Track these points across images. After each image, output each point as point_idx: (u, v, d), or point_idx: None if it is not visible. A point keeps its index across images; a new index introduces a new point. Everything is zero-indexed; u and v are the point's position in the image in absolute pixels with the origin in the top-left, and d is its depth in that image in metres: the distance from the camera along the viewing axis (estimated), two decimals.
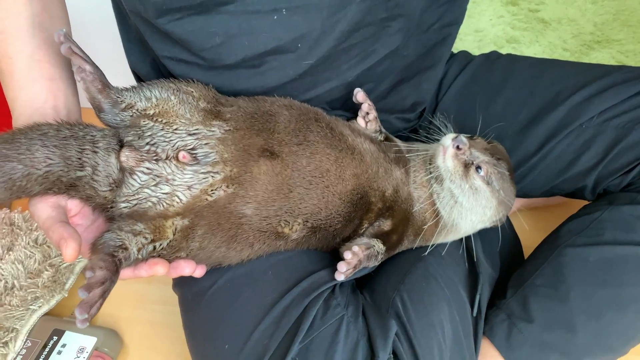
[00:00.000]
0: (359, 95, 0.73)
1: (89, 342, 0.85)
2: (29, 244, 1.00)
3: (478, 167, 0.70)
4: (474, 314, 0.70)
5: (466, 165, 0.70)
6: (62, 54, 0.67)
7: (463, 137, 0.70)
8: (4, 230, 1.04)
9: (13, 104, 0.64)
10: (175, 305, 0.75)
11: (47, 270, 0.97)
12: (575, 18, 1.25)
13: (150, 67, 0.75)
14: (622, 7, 1.18)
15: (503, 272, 0.84)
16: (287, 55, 0.66)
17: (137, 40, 0.74)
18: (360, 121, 0.75)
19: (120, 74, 0.84)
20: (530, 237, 0.88)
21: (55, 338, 0.87)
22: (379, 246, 0.68)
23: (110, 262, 0.53)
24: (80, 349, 0.84)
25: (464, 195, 0.70)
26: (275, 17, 0.61)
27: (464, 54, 0.91)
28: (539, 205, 1.03)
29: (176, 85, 0.65)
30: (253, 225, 0.62)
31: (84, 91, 0.61)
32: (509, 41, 1.29)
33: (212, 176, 0.60)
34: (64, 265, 0.98)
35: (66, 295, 0.96)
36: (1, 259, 0.98)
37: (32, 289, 0.93)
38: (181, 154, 0.60)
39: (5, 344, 0.85)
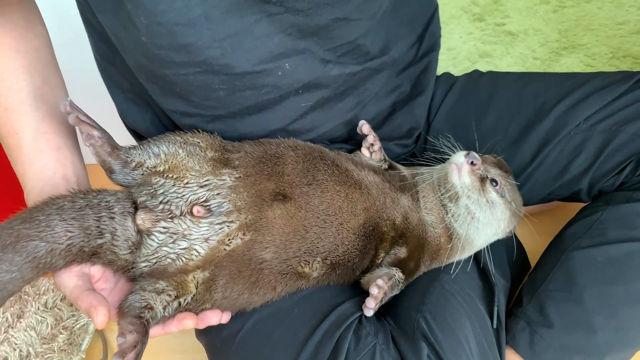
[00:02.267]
0: (364, 127, 0.76)
1: None
2: (39, 309, 0.99)
3: (493, 181, 0.72)
4: (494, 326, 0.72)
5: (482, 180, 0.72)
6: (65, 123, 0.68)
7: (475, 153, 0.73)
8: (12, 298, 1.03)
9: (24, 178, 0.65)
10: (194, 354, 0.75)
11: (61, 334, 0.96)
12: (540, 27, 1.31)
13: (150, 123, 0.77)
14: (581, 12, 1.24)
15: (513, 280, 0.87)
16: (289, 100, 0.68)
17: (134, 98, 0.75)
18: (364, 152, 0.78)
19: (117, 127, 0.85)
20: (531, 242, 0.91)
21: None
22: (399, 275, 0.69)
23: (139, 324, 0.54)
24: None
25: (482, 210, 0.72)
26: (280, 73, 0.63)
27: (447, 75, 0.94)
28: (536, 210, 1.07)
29: (182, 138, 0.66)
30: (274, 269, 0.63)
31: (93, 155, 0.62)
32: (482, 56, 1.33)
33: (228, 226, 0.62)
34: (78, 326, 0.98)
35: (84, 357, 0.95)
36: (12, 328, 0.97)
37: (49, 355, 0.92)
38: (195, 209, 0.61)
39: None
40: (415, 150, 0.90)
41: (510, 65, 1.36)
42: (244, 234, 0.62)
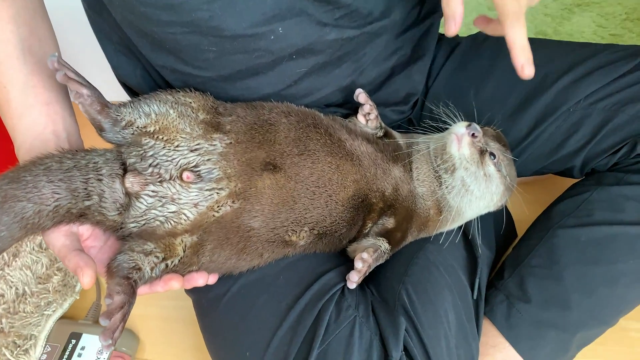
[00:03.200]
0: (361, 96, 0.74)
1: None
2: (34, 249, 1.02)
3: (491, 154, 0.72)
4: (474, 297, 0.75)
5: (481, 153, 0.72)
6: (55, 76, 0.67)
7: (476, 125, 0.72)
8: None
9: (13, 132, 0.64)
10: (184, 300, 0.77)
11: (55, 275, 0.99)
12: None
13: (141, 78, 0.75)
14: None
15: (498, 249, 0.89)
16: (283, 65, 0.66)
17: (125, 51, 0.73)
18: (360, 119, 0.76)
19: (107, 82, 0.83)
20: (521, 211, 0.92)
21: (73, 341, 0.90)
22: (385, 246, 0.70)
23: (126, 285, 0.55)
24: (99, 351, 0.88)
25: (477, 182, 0.72)
26: (272, 37, 0.61)
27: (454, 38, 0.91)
28: (528, 180, 1.07)
29: (174, 97, 0.65)
30: (261, 237, 0.64)
31: (83, 113, 0.61)
32: (491, 8, 1.28)
33: (217, 193, 0.62)
34: None
35: (78, 298, 0.98)
36: (8, 266, 0.99)
37: (44, 294, 0.95)
38: (185, 174, 0.61)
39: (26, 351, 0.88)
40: (412, 116, 0.89)
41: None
42: (232, 202, 0.62)
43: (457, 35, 0.91)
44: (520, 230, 0.89)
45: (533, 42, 0.85)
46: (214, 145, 0.63)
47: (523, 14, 0.56)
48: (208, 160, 0.62)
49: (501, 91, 0.83)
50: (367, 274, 0.69)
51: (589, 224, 0.73)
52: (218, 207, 0.62)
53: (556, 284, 0.72)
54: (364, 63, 0.73)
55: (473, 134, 0.71)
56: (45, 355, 0.89)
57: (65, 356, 0.89)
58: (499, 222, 0.86)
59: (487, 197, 0.74)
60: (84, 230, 0.62)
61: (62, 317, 0.95)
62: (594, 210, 0.73)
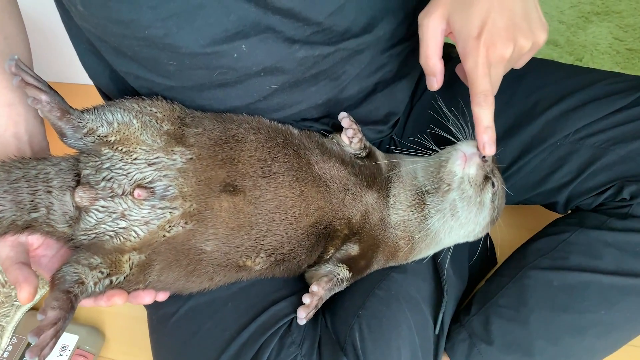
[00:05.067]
0: (344, 121, 0.71)
1: (71, 340, 0.89)
2: None
3: (492, 183, 0.69)
4: (436, 332, 0.72)
5: (485, 178, 0.68)
6: None
7: None
8: None
9: None
10: None
11: None
12: None
13: (109, 79, 0.73)
14: None
15: (475, 275, 0.86)
16: (250, 81, 0.63)
17: (92, 52, 0.70)
18: (344, 138, 0.72)
19: None
20: (506, 234, 0.87)
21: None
22: (344, 273, 0.68)
23: (65, 299, 0.53)
24: (62, 347, 0.88)
25: (468, 208, 0.68)
26: (236, 55, 0.58)
27: (445, 48, 0.86)
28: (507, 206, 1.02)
29: (139, 105, 0.63)
30: (213, 261, 0.62)
31: (44, 118, 0.60)
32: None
33: (170, 212, 0.60)
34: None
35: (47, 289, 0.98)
36: None
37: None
38: (136, 192, 0.59)
39: None
40: (394, 134, 0.84)
41: None
42: (185, 223, 0.60)
43: (451, 48, 0.86)
44: (501, 255, 0.86)
45: (530, 61, 0.81)
46: (174, 159, 0.61)
47: (492, 94, 0.58)
48: (164, 176, 0.60)
49: None
50: (319, 306, 0.66)
51: (563, 267, 0.69)
52: (170, 226, 0.60)
53: (521, 327, 0.69)
54: (344, 80, 0.70)
55: (483, 157, 0.67)
56: (11, 346, 0.90)
57: None
58: (475, 248, 0.83)
59: (471, 226, 0.70)
60: (34, 239, 0.61)
61: (32, 309, 0.96)
62: (571, 254, 0.69)
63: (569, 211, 0.78)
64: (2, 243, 0.58)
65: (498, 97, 0.78)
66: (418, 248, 0.72)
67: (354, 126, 0.71)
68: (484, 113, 0.59)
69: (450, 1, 0.57)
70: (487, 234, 0.85)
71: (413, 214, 0.70)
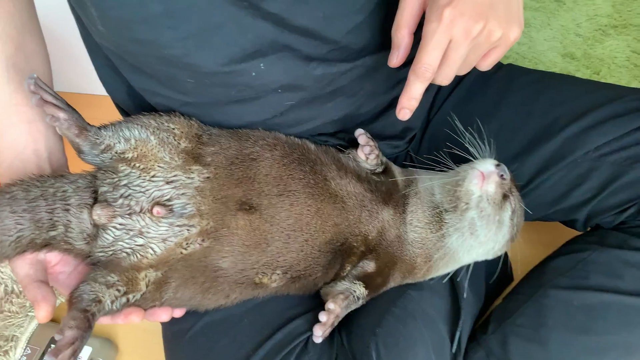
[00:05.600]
0: (361, 138, 0.71)
1: (85, 352, 0.89)
2: None
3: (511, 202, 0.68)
4: (453, 351, 0.71)
5: (503, 197, 0.67)
6: None
7: (505, 167, 0.67)
8: None
9: None
10: None
11: None
12: None
13: (126, 95, 0.73)
14: None
15: (490, 293, 0.85)
16: (268, 97, 0.63)
17: (110, 67, 0.71)
18: (360, 154, 0.72)
19: None
20: (522, 250, 0.86)
21: (53, 345, 0.91)
22: (360, 291, 0.67)
23: (82, 319, 0.53)
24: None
25: (487, 227, 0.67)
26: (254, 74, 0.58)
27: None
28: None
29: (157, 122, 0.63)
30: (229, 278, 0.62)
31: (61, 135, 0.60)
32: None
33: (188, 229, 0.60)
34: None
35: (63, 300, 0.99)
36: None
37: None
38: (155, 210, 0.59)
39: (6, 352, 0.89)
40: (411, 149, 0.84)
41: (547, 39, 1.22)
42: (202, 240, 0.60)
43: None
44: (518, 271, 0.85)
45: (549, 77, 0.80)
46: (191, 178, 0.61)
47: (435, 71, 0.53)
48: (183, 194, 0.60)
49: (506, 130, 0.77)
50: (336, 324, 0.66)
51: (583, 287, 0.68)
52: (187, 244, 0.60)
53: (540, 348, 0.68)
54: (360, 97, 0.69)
55: (502, 176, 0.66)
56: (25, 357, 0.90)
57: None
58: (493, 265, 0.82)
59: (490, 244, 0.70)
60: (53, 256, 0.61)
61: None
62: (591, 274, 0.68)
63: (589, 229, 0.77)
64: (21, 261, 0.58)
65: (514, 114, 0.77)
66: (436, 266, 0.71)
67: (371, 143, 0.71)
68: (417, 85, 0.54)
69: None
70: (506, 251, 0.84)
71: (431, 232, 0.70)
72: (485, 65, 0.56)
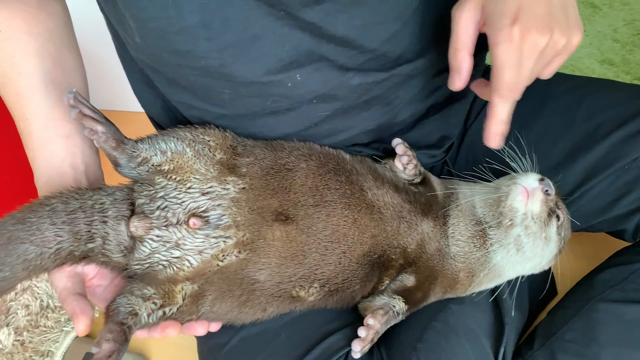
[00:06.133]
0: (399, 148, 0.69)
1: None
2: None
3: (557, 216, 0.65)
4: None
5: (549, 213, 0.65)
6: None
7: (550, 181, 0.65)
8: None
9: (33, 164, 0.65)
10: None
11: None
12: (630, 1, 1.13)
13: (161, 109, 0.73)
14: None
15: (534, 307, 0.81)
16: (303, 108, 0.62)
17: (145, 81, 0.71)
18: (398, 165, 0.70)
19: None
20: (565, 263, 0.83)
21: None
22: (400, 306, 0.65)
23: (119, 332, 0.53)
24: None
25: (534, 244, 0.65)
26: (290, 85, 0.57)
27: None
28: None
29: (192, 134, 0.63)
30: (266, 291, 0.61)
31: (99, 148, 0.61)
32: (617, 40, 1.16)
33: (224, 241, 0.59)
34: None
35: (97, 316, 0.99)
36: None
37: (65, 310, 0.97)
38: (191, 221, 0.59)
39: None
40: (448, 158, 0.82)
41: (584, 46, 1.19)
42: (239, 252, 0.59)
43: None
44: (561, 285, 0.81)
45: (590, 83, 0.77)
46: (227, 189, 0.60)
47: (518, 90, 0.52)
48: (219, 205, 0.59)
49: (548, 138, 0.75)
50: (375, 340, 0.64)
51: (635, 300, 0.64)
52: (223, 256, 0.59)
53: None
54: (396, 106, 0.68)
55: (546, 191, 0.64)
56: None
57: None
58: (535, 278, 0.79)
59: (537, 260, 0.68)
60: (90, 269, 0.62)
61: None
62: None
63: (639, 239, 0.74)
64: (60, 274, 0.59)
65: (555, 121, 0.75)
66: (479, 281, 0.69)
67: (409, 152, 0.69)
68: (503, 107, 0.53)
69: None
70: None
71: (474, 246, 0.68)
72: (548, 74, 0.56)
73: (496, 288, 0.73)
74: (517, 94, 0.52)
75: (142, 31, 0.53)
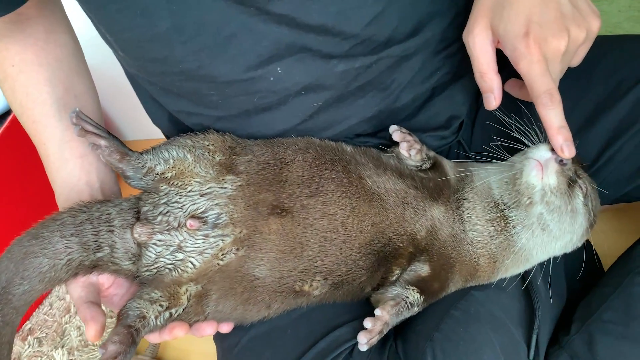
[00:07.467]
0: (395, 134, 0.68)
1: None
2: None
3: (580, 185, 0.61)
4: (531, 357, 0.62)
5: (569, 184, 0.61)
6: None
7: None
8: None
9: (53, 184, 0.69)
10: None
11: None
12: None
13: (169, 122, 0.76)
14: None
15: (576, 290, 0.74)
16: (292, 101, 0.62)
17: (150, 97, 0.74)
18: (403, 152, 0.68)
19: None
20: (607, 241, 0.75)
21: None
22: (414, 297, 0.62)
23: (125, 334, 0.55)
24: None
25: (560, 220, 0.61)
26: (272, 79, 0.57)
27: None
28: (609, 207, 0.88)
29: (192, 141, 0.65)
30: (267, 287, 0.61)
31: (105, 162, 0.63)
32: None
33: (222, 239, 0.60)
34: None
35: None
36: None
37: (110, 328, 1.01)
38: (188, 222, 0.60)
39: None
40: (461, 138, 0.78)
41: (622, 10, 1.10)
42: (237, 249, 0.60)
43: None
44: (605, 265, 0.74)
45: (609, 40, 0.71)
46: (224, 187, 0.61)
47: (556, 89, 0.52)
48: (216, 204, 0.60)
49: (564, 103, 0.69)
50: (384, 332, 0.61)
51: None
52: (222, 255, 0.60)
53: (634, 345, 0.57)
54: (394, 90, 0.66)
55: (561, 160, 0.60)
56: None
57: None
58: (574, 259, 0.72)
59: (567, 236, 0.63)
60: (105, 279, 0.64)
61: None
62: None
63: None
64: (75, 284, 0.62)
65: (573, 85, 0.69)
66: (504, 267, 0.64)
67: (408, 137, 0.67)
68: (553, 114, 0.53)
69: (488, 8, 0.54)
70: (590, 243, 0.74)
71: (495, 230, 0.64)
72: (576, 62, 0.58)
73: (527, 273, 0.67)
74: (557, 97, 0.52)
75: (119, 43, 0.56)
